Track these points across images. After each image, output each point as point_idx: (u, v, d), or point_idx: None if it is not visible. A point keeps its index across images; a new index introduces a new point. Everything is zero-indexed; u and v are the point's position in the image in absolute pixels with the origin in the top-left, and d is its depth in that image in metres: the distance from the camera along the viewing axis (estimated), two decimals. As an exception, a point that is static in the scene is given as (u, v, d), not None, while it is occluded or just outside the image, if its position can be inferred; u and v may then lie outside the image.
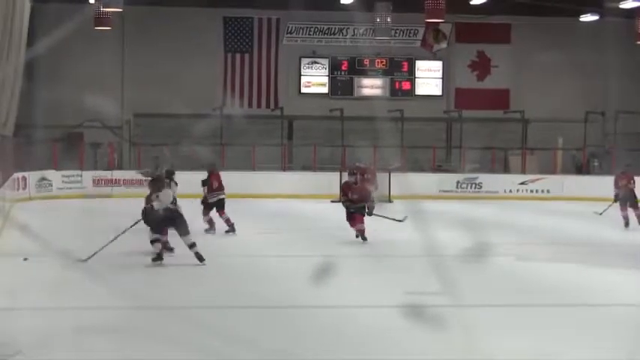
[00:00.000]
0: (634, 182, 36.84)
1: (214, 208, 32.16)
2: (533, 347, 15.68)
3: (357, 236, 30.37)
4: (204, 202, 32.21)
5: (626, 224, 35.28)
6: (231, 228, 31.83)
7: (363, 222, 30.41)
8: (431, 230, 23.72)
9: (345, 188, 32.68)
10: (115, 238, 24.19)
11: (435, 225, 25.28)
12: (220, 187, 32.37)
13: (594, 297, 20.97)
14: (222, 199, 32.12)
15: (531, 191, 54.86)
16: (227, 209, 31.86)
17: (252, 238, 30.99)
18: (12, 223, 30.67)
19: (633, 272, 24.51)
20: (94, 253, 22.03)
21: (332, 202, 47.35)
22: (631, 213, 35.75)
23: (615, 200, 36.74)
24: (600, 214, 37.79)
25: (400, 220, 28.51)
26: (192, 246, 23.90)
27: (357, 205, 30.79)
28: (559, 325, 17.72)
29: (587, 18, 59.74)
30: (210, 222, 32.10)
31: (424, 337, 14.39)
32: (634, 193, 36.36)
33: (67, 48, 49.89)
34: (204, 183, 32.43)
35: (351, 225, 30.59)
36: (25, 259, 16.32)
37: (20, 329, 17.26)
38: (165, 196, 23.96)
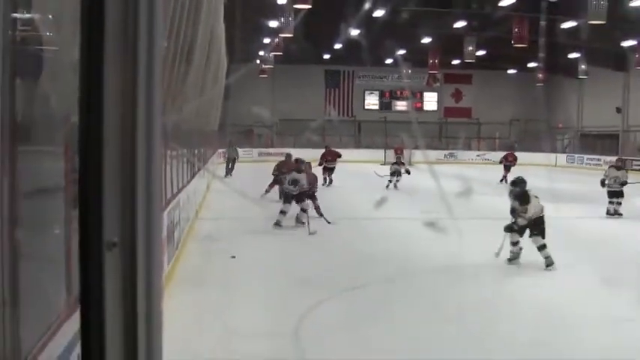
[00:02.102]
0: (516, 158, 36.90)
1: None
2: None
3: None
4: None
5: (502, 180, 33.94)
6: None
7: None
8: (436, 179, 23.36)
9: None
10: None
11: (437, 176, 24.88)
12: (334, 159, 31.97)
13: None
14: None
15: (482, 160, 54.04)
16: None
17: (345, 184, 30.58)
18: (216, 176, 30.66)
19: (547, 204, 23.86)
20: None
21: (381, 164, 46.99)
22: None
23: (500, 163, 37.31)
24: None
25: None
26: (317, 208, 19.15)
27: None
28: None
29: (511, 71, 59.89)
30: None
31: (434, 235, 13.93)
32: (513, 164, 35.73)
33: (245, 84, 49.97)
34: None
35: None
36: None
37: (219, 229, 17.17)
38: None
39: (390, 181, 30.01)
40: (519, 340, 8.75)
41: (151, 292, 1.69)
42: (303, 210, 18.16)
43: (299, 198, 18.35)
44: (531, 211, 13.64)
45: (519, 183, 14.72)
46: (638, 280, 12.17)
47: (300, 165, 19.25)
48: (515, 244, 13.85)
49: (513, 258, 13.81)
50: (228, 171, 36.38)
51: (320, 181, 26.91)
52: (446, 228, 15.70)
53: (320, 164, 30.84)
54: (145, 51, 1.68)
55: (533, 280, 12.32)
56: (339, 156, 32.12)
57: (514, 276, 12.58)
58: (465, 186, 24.18)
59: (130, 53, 1.66)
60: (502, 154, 53.46)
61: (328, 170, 31.56)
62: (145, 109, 1.68)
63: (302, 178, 18.64)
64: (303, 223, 17.76)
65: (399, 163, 31.48)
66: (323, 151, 32.39)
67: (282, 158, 25.13)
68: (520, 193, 14.11)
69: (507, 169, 35.38)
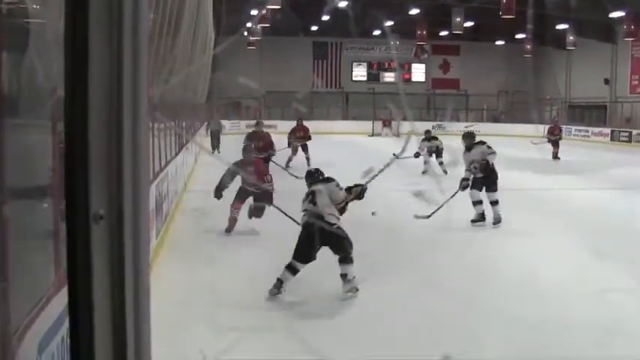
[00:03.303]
0: (561, 130, 32.25)
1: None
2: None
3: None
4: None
5: (554, 157, 30.13)
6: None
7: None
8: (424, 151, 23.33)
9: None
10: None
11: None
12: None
13: (516, 184, 20.50)
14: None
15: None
16: (322, 141, 27.66)
17: (332, 151, 29.99)
18: (203, 149, 30.34)
19: (535, 175, 23.87)
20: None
21: (369, 136, 47.14)
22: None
23: (549, 141, 31.19)
24: (535, 144, 30.55)
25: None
26: None
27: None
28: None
29: (499, 42, 59.71)
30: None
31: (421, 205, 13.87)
32: (560, 138, 31.15)
33: (232, 56, 49.71)
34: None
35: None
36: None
37: (208, 202, 17.15)
38: None
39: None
40: (502, 307, 8.81)
41: (138, 265, 1.69)
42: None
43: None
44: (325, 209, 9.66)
45: (310, 176, 10.37)
46: (626, 250, 12.24)
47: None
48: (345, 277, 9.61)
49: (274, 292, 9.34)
50: (215, 146, 33.34)
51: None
52: (433, 198, 15.81)
53: (289, 145, 26.38)
54: (131, 23, 1.67)
55: (520, 249, 12.36)
56: (309, 138, 26.80)
57: (500, 245, 12.60)
58: (452, 157, 24.09)
59: (116, 25, 1.66)
60: (490, 125, 54.08)
61: (301, 147, 26.37)
62: (131, 82, 1.67)
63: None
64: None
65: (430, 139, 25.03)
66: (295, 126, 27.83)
67: (268, 130, 23.50)
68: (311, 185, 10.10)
69: (555, 144, 31.14)
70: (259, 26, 48.46)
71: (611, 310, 8.81)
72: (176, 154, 17.15)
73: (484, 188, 15.00)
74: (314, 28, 55.53)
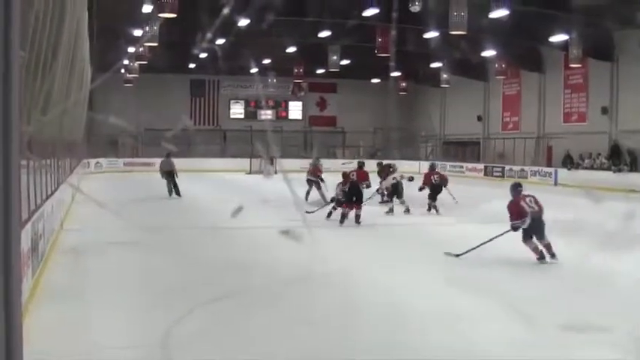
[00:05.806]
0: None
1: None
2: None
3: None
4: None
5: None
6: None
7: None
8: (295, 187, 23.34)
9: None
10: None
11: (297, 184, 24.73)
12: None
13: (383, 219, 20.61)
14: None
15: (349, 168, 54.23)
16: (194, 178, 28.42)
17: (210, 191, 29.92)
18: (81, 186, 29.82)
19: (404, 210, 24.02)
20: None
21: (246, 173, 47.12)
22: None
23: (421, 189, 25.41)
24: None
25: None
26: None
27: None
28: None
29: (375, 80, 60.69)
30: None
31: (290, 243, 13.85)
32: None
33: (110, 94, 49.19)
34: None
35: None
36: None
37: (84, 241, 16.87)
38: None
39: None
40: (374, 340, 8.88)
41: (9, 308, 1.63)
42: None
43: None
44: None
45: None
46: (479, 278, 12.63)
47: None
48: None
49: None
50: (175, 190, 29.69)
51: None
52: (301, 236, 15.82)
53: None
54: (2, 60, 1.62)
55: (387, 280, 12.52)
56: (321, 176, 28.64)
57: (365, 281, 12.68)
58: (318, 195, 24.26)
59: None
60: (366, 162, 54.78)
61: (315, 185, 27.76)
62: (2, 119, 1.62)
63: None
64: None
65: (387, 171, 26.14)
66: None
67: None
68: None
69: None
70: (137, 63, 48.16)
71: (464, 336, 9.09)
72: (52, 193, 16.80)
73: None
74: (192, 65, 55.23)
